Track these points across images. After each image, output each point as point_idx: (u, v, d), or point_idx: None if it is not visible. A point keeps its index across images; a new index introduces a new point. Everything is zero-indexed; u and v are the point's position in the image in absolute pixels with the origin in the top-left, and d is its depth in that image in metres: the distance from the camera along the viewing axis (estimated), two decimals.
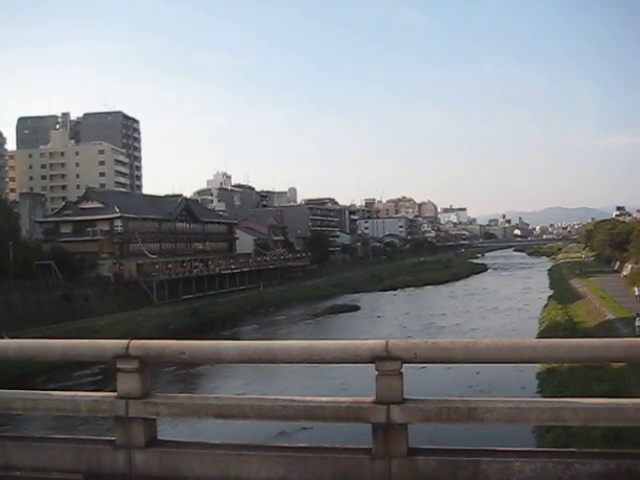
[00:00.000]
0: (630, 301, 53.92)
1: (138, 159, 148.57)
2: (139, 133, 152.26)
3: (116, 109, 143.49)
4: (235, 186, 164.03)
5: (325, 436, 8.11)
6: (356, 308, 71.07)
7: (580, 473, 5.20)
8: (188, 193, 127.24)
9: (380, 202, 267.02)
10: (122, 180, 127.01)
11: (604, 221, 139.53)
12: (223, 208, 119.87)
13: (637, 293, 54.45)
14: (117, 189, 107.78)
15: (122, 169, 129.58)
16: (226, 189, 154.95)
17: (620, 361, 6.04)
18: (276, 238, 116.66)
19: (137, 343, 5.89)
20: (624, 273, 76.62)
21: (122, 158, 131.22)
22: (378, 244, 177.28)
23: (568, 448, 6.80)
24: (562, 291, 72.58)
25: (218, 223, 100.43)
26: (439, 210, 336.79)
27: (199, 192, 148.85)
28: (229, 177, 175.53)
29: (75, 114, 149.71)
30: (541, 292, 76.92)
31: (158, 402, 5.87)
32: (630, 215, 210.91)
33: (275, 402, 5.75)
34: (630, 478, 5.18)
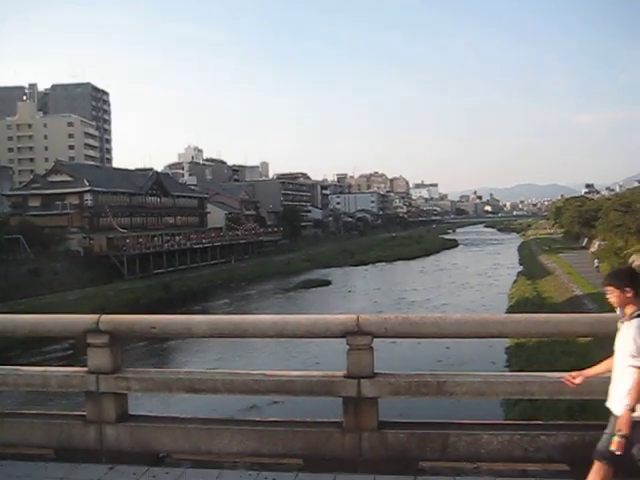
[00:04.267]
0: (597, 277, 54.78)
1: (108, 132, 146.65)
2: (109, 105, 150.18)
3: (85, 81, 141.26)
4: (207, 160, 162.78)
5: (296, 410, 8.17)
6: (327, 283, 71.22)
7: (546, 444, 5.31)
8: (159, 167, 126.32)
9: (352, 177, 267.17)
10: (92, 153, 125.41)
11: (573, 198, 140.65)
12: (194, 182, 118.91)
13: (596, 264, 60.51)
14: (87, 162, 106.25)
15: (92, 142, 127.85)
16: (198, 163, 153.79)
17: (586, 336, 6.16)
18: (248, 213, 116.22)
19: (107, 318, 5.87)
20: (592, 250, 77.66)
21: (92, 131, 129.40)
22: (350, 219, 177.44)
23: (534, 421, 6.93)
24: (531, 267, 73.39)
25: (189, 197, 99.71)
26: (411, 186, 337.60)
27: (170, 166, 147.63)
28: (201, 151, 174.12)
29: (43, 85, 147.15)
30: (511, 268, 77.71)
31: (129, 377, 5.86)
32: (599, 192, 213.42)
33: (246, 376, 5.77)
34: (593, 448, 5.29)
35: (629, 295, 4.36)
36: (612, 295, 4.44)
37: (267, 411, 19.54)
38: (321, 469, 5.29)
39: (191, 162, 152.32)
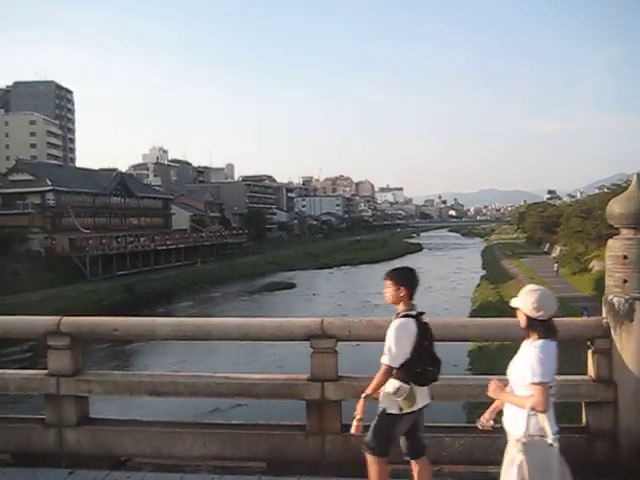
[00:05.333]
0: (558, 282, 55.62)
1: (71, 131, 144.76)
2: (73, 104, 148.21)
3: (49, 79, 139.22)
4: (172, 161, 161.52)
5: (260, 413, 8.14)
6: (292, 286, 71.16)
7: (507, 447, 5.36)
8: (123, 167, 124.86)
9: (318, 180, 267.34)
10: (54, 152, 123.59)
11: (536, 204, 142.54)
12: (159, 183, 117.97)
13: (555, 268, 63.29)
14: (49, 161, 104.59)
15: (54, 141, 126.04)
16: (162, 164, 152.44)
17: None
18: (213, 214, 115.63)
19: (68, 320, 5.79)
20: (553, 255, 78.81)
21: (55, 129, 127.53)
22: (315, 222, 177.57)
23: (496, 424, 7.00)
24: (494, 271, 74.14)
25: (154, 198, 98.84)
26: (376, 189, 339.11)
27: (134, 166, 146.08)
28: (166, 152, 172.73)
29: (4, 82, 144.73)
30: (474, 272, 78.40)
31: (90, 380, 5.80)
32: (560, 199, 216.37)
33: (209, 379, 5.75)
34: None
35: (402, 294, 4.57)
36: (388, 290, 4.61)
37: (230, 414, 19.43)
38: (284, 472, 5.28)
39: (156, 163, 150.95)
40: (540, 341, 3.93)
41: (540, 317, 3.96)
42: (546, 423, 3.85)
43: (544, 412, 3.81)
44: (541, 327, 3.96)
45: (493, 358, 28.97)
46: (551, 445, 3.83)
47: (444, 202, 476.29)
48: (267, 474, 5.35)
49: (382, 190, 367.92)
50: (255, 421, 5.91)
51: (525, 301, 4.04)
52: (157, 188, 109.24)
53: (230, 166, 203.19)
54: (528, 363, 3.86)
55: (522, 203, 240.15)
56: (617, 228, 5.47)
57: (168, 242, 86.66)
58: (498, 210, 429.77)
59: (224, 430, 5.63)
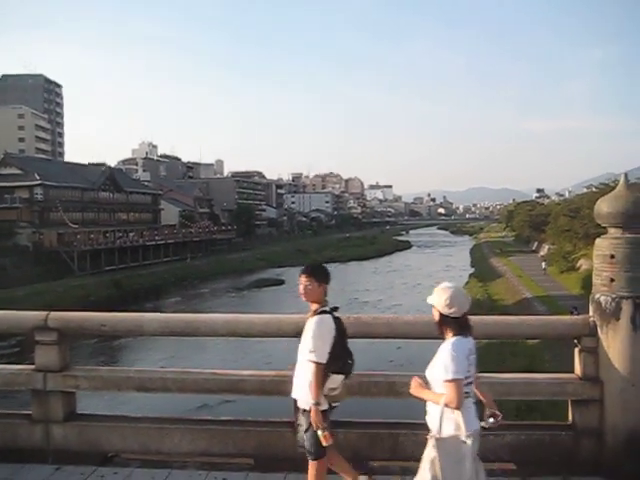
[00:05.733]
0: (546, 280, 55.87)
1: (60, 125, 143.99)
2: (62, 98, 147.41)
3: (38, 72, 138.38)
4: (161, 156, 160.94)
5: (248, 409, 8.14)
6: (281, 282, 71.10)
7: (493, 444, 5.40)
8: (112, 162, 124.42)
9: (307, 177, 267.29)
10: (43, 146, 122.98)
11: (524, 202, 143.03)
12: (148, 178, 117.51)
13: (543, 267, 63.35)
14: (38, 155, 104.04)
15: (43, 135, 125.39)
16: (152, 159, 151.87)
17: (535, 337, 6.27)
18: (202, 210, 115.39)
19: (56, 315, 5.77)
20: (541, 253, 79.12)
21: (43, 123, 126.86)
22: (304, 219, 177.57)
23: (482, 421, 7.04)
24: (483, 269, 74.40)
25: (143, 193, 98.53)
26: (365, 186, 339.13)
27: (124, 161, 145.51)
28: (155, 147, 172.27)
29: None
30: (463, 270, 78.63)
31: (78, 375, 5.78)
32: (549, 197, 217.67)
33: (197, 375, 5.74)
34: (539, 448, 5.42)
35: (322, 292, 4.59)
36: (307, 285, 4.57)
37: (218, 410, 19.40)
38: (272, 469, 5.29)
39: (145, 158, 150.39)
40: (453, 338, 3.99)
41: (453, 314, 4.04)
42: (461, 420, 3.88)
43: (458, 408, 3.85)
44: (454, 324, 4.04)
45: (481, 355, 29.13)
46: (464, 442, 3.87)
47: (433, 200, 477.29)
48: (255, 470, 5.35)
49: (371, 187, 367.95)
50: (243, 417, 5.91)
51: (438, 298, 4.13)
52: (146, 183, 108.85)
53: (220, 162, 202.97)
54: (441, 361, 3.92)
55: (511, 201, 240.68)
56: (605, 227, 5.50)
57: (157, 238, 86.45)
58: (487, 208, 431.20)
59: (212, 426, 5.62)
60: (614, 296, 5.23)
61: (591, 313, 5.41)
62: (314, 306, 4.60)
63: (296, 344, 5.44)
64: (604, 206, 5.41)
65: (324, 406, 4.49)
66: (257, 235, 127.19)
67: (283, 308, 46.88)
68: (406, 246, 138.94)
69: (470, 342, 4.06)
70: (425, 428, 5.56)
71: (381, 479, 5.24)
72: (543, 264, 64.92)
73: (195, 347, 29.92)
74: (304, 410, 4.55)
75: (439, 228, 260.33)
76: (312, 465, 4.59)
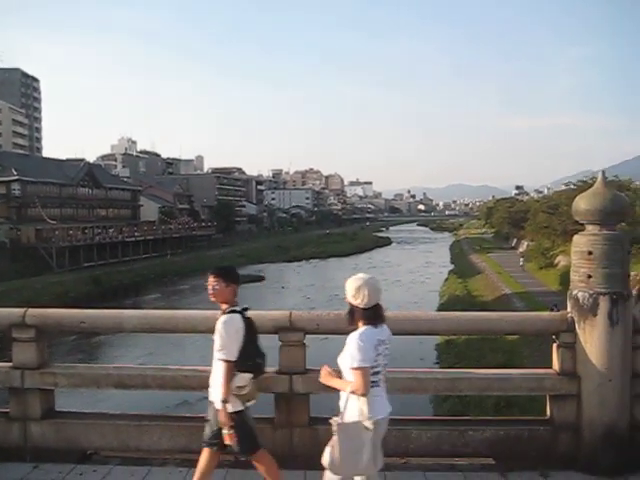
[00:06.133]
0: (525, 276, 56.28)
1: (38, 120, 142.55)
2: (39, 93, 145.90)
3: (15, 66, 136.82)
4: (140, 152, 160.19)
5: None
6: (261, 279, 70.99)
7: (473, 439, 5.44)
8: (91, 158, 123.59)
9: (287, 173, 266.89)
10: (20, 141, 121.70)
11: (504, 199, 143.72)
12: (127, 174, 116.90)
13: (521, 263, 63.98)
14: (15, 151, 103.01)
15: (20, 130, 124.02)
16: (131, 155, 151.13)
17: (514, 333, 6.34)
18: (181, 206, 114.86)
19: (34, 312, 5.72)
20: (520, 250, 79.63)
21: (21, 118, 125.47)
22: (284, 215, 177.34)
23: (463, 416, 7.09)
24: (462, 266, 74.72)
25: (122, 189, 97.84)
26: (346, 183, 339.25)
27: (103, 157, 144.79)
28: (134, 143, 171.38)
29: None
30: (442, 266, 78.93)
31: (56, 372, 5.74)
32: (528, 194, 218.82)
33: (177, 372, 5.72)
34: (517, 443, 5.47)
35: (231, 292, 4.68)
36: (215, 286, 4.67)
37: (199, 407, 19.34)
38: (252, 465, 5.29)
39: (124, 154, 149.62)
40: (362, 328, 4.08)
41: (362, 305, 4.09)
42: (365, 407, 3.97)
43: (364, 395, 3.95)
44: (363, 314, 4.11)
45: (461, 351, 29.28)
46: (367, 428, 3.96)
47: (413, 196, 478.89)
48: (235, 467, 5.35)
49: (352, 184, 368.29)
50: None
51: (349, 289, 4.18)
52: (125, 179, 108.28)
53: (200, 158, 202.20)
54: (349, 350, 4.01)
55: (490, 198, 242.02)
56: (583, 224, 5.55)
57: (136, 234, 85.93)
58: (467, 205, 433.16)
59: (192, 423, 5.61)
60: (591, 292, 5.28)
61: (569, 309, 5.46)
62: (223, 306, 4.68)
63: (276, 341, 5.46)
64: (582, 203, 5.46)
65: (238, 407, 4.55)
66: (237, 231, 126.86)
67: (263, 304, 46.82)
68: (386, 242, 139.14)
69: (382, 333, 4.15)
70: (407, 423, 5.61)
71: None
72: (521, 260, 65.49)
73: (175, 343, 29.79)
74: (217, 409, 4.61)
75: (419, 224, 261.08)
76: (255, 461, 4.73)
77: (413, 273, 72.52)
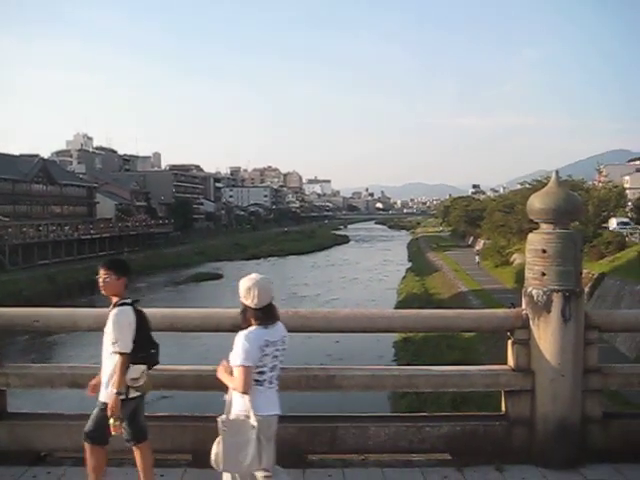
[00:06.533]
0: (481, 274, 56.98)
1: None
2: None
3: None
4: (97, 148, 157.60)
5: (186, 405, 8.07)
6: (219, 276, 70.67)
7: (430, 435, 5.50)
8: (46, 153, 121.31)
9: (246, 171, 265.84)
10: None
11: (460, 198, 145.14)
12: (83, 171, 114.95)
13: (477, 260, 65.55)
14: None
15: None
16: (87, 151, 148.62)
17: (470, 330, 6.41)
18: (139, 204, 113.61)
19: None
20: (477, 248, 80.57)
21: None
22: (243, 213, 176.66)
23: (420, 413, 7.15)
24: (420, 264, 75.33)
25: (78, 186, 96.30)
26: (304, 181, 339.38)
27: (57, 153, 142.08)
28: (90, 139, 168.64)
29: None
30: (400, 264, 79.46)
31: (8, 372, 5.64)
32: (484, 193, 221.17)
33: None
34: (474, 438, 5.54)
35: (122, 285, 4.77)
36: (105, 279, 4.73)
37: (156, 406, 19.19)
38: (210, 464, 5.26)
39: (80, 150, 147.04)
40: (251, 328, 4.14)
41: (253, 305, 4.15)
42: (250, 404, 4.06)
43: (245, 393, 4.04)
44: (254, 314, 4.16)
45: (418, 348, 29.53)
46: (252, 426, 4.05)
47: (371, 195, 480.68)
48: (193, 466, 5.32)
49: (310, 182, 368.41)
50: (181, 413, 5.87)
51: (240, 290, 4.22)
52: (81, 176, 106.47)
53: (157, 155, 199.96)
54: (234, 348, 4.09)
55: (447, 197, 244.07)
56: (537, 223, 5.64)
57: (92, 231, 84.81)
58: (424, 203, 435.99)
59: (148, 422, 5.55)
60: (545, 289, 5.38)
61: (523, 306, 5.55)
62: (114, 299, 4.72)
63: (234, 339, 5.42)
64: (536, 202, 5.55)
65: (128, 395, 4.59)
66: (195, 229, 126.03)
67: (222, 302, 46.52)
68: (344, 240, 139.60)
69: (273, 333, 4.20)
70: (365, 420, 5.64)
71: (321, 472, 5.28)
72: (477, 258, 66.38)
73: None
74: (103, 403, 4.61)
75: (377, 222, 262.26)
76: (89, 449, 4.72)
77: (371, 271, 72.86)
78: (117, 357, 4.51)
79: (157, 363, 4.84)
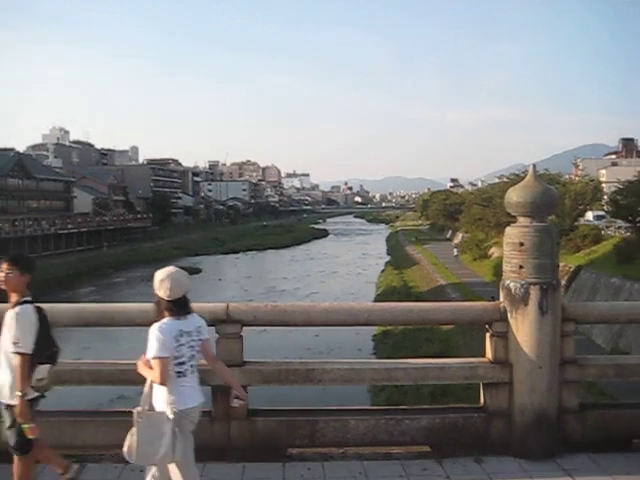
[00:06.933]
0: (460, 267, 57.29)
1: None
2: None
3: None
4: (73, 142, 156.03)
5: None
6: (197, 271, 70.33)
7: (409, 428, 5.53)
8: (21, 147, 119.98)
9: (224, 165, 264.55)
10: None
11: (439, 192, 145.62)
12: (60, 165, 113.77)
13: (455, 253, 66.30)
14: None
15: None
16: (63, 145, 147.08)
17: (448, 323, 6.46)
18: (116, 198, 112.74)
19: None
20: (455, 241, 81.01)
21: None
22: (221, 207, 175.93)
23: (399, 406, 7.19)
24: (398, 257, 75.60)
25: (54, 180, 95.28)
26: (283, 175, 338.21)
27: (33, 147, 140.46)
28: (67, 132, 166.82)
29: None
30: (379, 258, 79.68)
31: None
32: (463, 187, 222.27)
33: (113, 366, 5.63)
34: (453, 430, 5.58)
35: (23, 280, 4.60)
36: (9, 274, 4.53)
37: (135, 402, 19.13)
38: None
39: (56, 144, 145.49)
40: (164, 320, 4.17)
41: (166, 297, 4.18)
42: (168, 396, 4.11)
43: (162, 384, 4.07)
44: (167, 306, 4.19)
45: (397, 341, 29.67)
46: (168, 418, 4.08)
47: (350, 189, 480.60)
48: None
49: (289, 176, 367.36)
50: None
51: (154, 282, 4.23)
52: (58, 170, 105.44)
53: (134, 149, 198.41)
54: (149, 340, 4.11)
55: (426, 190, 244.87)
56: (514, 216, 5.69)
57: (70, 226, 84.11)
58: (403, 197, 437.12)
59: (128, 418, 5.49)
60: (523, 282, 5.42)
61: (501, 299, 5.60)
62: (14, 297, 4.54)
63: (212, 333, 5.43)
64: (513, 196, 5.60)
65: (30, 396, 4.46)
66: (173, 223, 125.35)
67: (200, 297, 46.06)
68: (323, 234, 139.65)
69: (187, 324, 4.23)
70: (344, 414, 5.66)
71: (300, 466, 5.29)
72: (455, 251, 66.76)
73: (111, 338, 29.31)
74: (7, 405, 4.47)
75: (356, 216, 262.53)
76: (19, 460, 4.54)
77: (350, 265, 72.99)
78: (17, 357, 4.33)
79: (57, 361, 4.70)
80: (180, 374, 4.14)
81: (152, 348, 4.04)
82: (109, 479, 5.11)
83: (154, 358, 4.03)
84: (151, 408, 4.15)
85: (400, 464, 5.35)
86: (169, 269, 4.25)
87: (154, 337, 4.05)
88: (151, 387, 4.17)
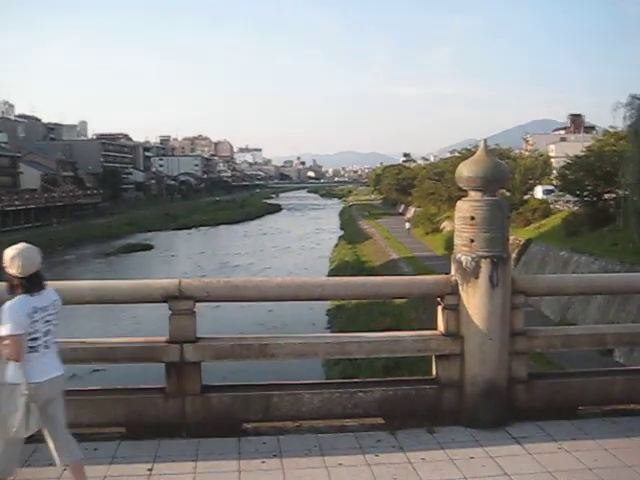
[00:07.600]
0: (412, 242, 57.88)
1: None
2: None
3: None
4: (19, 116, 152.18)
5: (119, 377, 7.99)
6: (149, 247, 69.76)
7: (362, 401, 5.59)
8: None
9: (176, 140, 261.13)
10: None
11: (391, 166, 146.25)
12: (5, 140, 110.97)
13: (407, 227, 67.04)
14: None
15: None
16: (8, 119, 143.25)
17: (401, 297, 6.54)
18: (65, 174, 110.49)
19: None
20: (408, 216, 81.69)
21: None
22: (173, 182, 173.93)
23: (353, 379, 7.27)
24: (351, 232, 75.92)
25: None
26: (235, 150, 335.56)
27: None
28: (12, 106, 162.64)
29: None
30: (332, 232, 79.93)
31: None
32: (415, 162, 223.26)
33: (64, 345, 5.52)
34: (405, 402, 5.66)
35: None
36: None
37: (88, 380, 18.91)
38: (144, 436, 5.23)
39: (1, 118, 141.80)
40: (17, 297, 4.15)
41: (18, 274, 4.17)
42: (21, 371, 4.08)
43: (17, 361, 4.06)
44: (20, 283, 4.18)
45: (351, 315, 29.90)
46: (22, 393, 4.07)
47: (303, 163, 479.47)
48: (127, 439, 5.27)
49: (241, 150, 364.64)
50: (113, 386, 5.80)
51: (5, 260, 4.22)
52: (3, 145, 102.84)
53: (83, 123, 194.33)
54: (2, 318, 4.07)
55: (379, 165, 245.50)
56: (466, 190, 5.74)
57: (17, 202, 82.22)
58: (355, 172, 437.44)
59: (79, 397, 5.46)
60: (474, 256, 5.49)
61: (452, 272, 5.67)
62: None
63: (165, 310, 5.39)
64: (464, 170, 5.65)
65: None
66: (124, 199, 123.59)
67: (152, 273, 46.00)
68: (276, 209, 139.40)
69: (41, 300, 4.23)
70: (298, 388, 5.69)
71: (256, 440, 5.31)
72: (407, 224, 67.43)
73: (60, 316, 28.90)
74: None
75: (309, 191, 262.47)
76: None
77: (303, 240, 73.08)
78: None
79: None
80: (32, 349, 4.12)
81: (5, 325, 4.00)
82: None
83: (9, 336, 4.00)
84: (5, 383, 4.10)
85: (354, 436, 5.41)
86: (19, 246, 4.21)
87: (7, 315, 4.02)
88: (6, 363, 4.12)
